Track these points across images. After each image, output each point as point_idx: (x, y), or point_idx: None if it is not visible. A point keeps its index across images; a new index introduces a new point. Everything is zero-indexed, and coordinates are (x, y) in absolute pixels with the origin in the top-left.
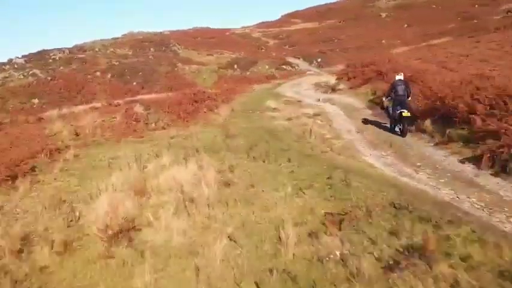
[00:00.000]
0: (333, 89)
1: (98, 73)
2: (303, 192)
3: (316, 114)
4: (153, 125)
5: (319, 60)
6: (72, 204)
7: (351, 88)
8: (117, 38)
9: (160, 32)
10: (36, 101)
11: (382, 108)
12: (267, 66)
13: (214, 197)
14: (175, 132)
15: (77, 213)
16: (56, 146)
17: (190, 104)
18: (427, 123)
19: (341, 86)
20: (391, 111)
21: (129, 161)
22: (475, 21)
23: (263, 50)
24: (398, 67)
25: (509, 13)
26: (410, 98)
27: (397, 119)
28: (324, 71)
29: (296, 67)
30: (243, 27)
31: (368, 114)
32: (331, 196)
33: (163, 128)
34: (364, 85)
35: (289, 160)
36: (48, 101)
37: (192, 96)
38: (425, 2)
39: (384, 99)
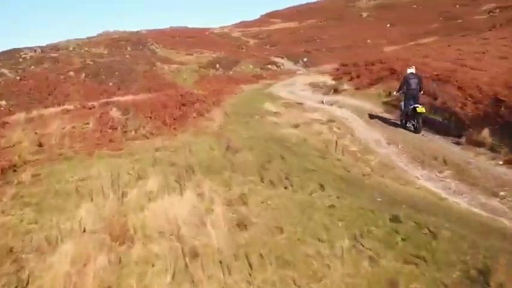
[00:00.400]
0: (336, 90)
1: (72, 73)
2: (362, 245)
3: (330, 120)
4: (133, 133)
5: (305, 59)
6: (21, 256)
7: (357, 89)
8: (92, 38)
9: (137, 31)
10: (3, 102)
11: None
12: (251, 66)
13: (227, 248)
14: (161, 142)
15: (26, 274)
16: (11, 162)
17: (177, 107)
18: (485, 134)
19: (345, 87)
20: (402, 106)
21: (104, 184)
22: (460, 21)
23: (243, 50)
24: (413, 65)
25: (491, 13)
26: (422, 92)
27: (410, 115)
28: (312, 71)
29: (282, 67)
30: (221, 27)
31: (389, 119)
32: (413, 256)
33: (146, 137)
34: (374, 85)
35: (321, 187)
36: (17, 103)
37: (179, 98)
38: (406, 2)
39: (395, 93)
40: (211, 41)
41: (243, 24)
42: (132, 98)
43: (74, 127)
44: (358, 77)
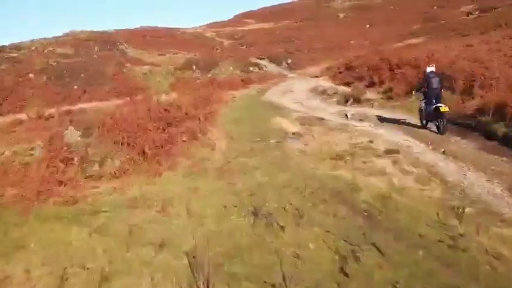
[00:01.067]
0: (356, 100)
1: (31, 75)
2: None
3: (390, 151)
4: (96, 167)
5: (288, 61)
6: None
7: (389, 98)
8: (59, 37)
9: (106, 31)
10: None
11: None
12: (231, 68)
13: None
14: (139, 190)
15: None
16: None
17: (159, 128)
18: None
19: (368, 96)
20: (423, 106)
21: None
22: (442, 21)
23: (218, 50)
24: (442, 67)
25: (470, 15)
26: (442, 91)
27: (433, 115)
28: (299, 73)
29: (264, 68)
30: (194, 28)
31: (477, 149)
32: None
33: (115, 177)
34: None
35: None
36: None
37: (162, 113)
38: (381, 3)
39: (413, 92)
40: (185, 41)
41: (216, 25)
42: (98, 104)
43: (14, 153)
44: (382, 82)
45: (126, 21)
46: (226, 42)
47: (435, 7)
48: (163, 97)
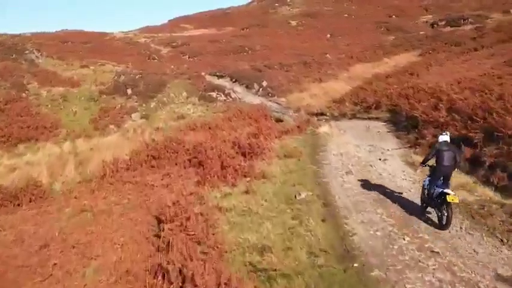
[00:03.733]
0: None
1: None
2: None
3: None
4: None
5: (263, 83)
6: None
7: None
8: None
9: (20, 34)
10: None
11: None
12: (184, 93)
13: None
14: None
15: None
16: None
17: None
18: None
19: None
20: (426, 184)
21: None
22: (413, 33)
23: (155, 61)
24: None
25: (434, 26)
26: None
27: (437, 201)
28: (290, 105)
29: (234, 95)
30: (125, 32)
31: None
32: None
33: None
34: None
35: None
36: None
37: None
38: (333, 11)
39: (419, 166)
40: (115, 48)
41: (150, 29)
42: None
43: None
44: None
45: (49, 24)
46: (164, 51)
47: (393, 16)
48: None
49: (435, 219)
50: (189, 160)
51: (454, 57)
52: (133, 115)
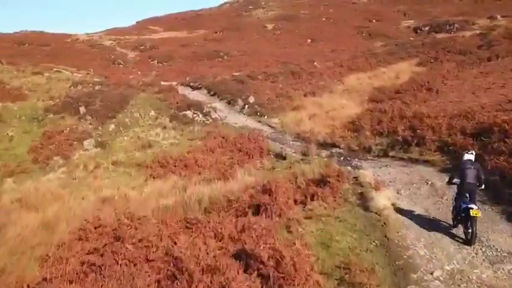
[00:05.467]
0: None
1: None
2: None
3: None
4: None
5: (249, 99)
6: None
7: None
8: None
9: None
10: None
11: None
12: (151, 112)
13: None
14: None
15: None
16: None
17: None
18: None
19: None
20: (454, 201)
21: None
22: (400, 40)
23: (121, 66)
24: None
25: (418, 31)
26: (483, 187)
27: (463, 217)
28: (289, 130)
29: (215, 114)
30: (89, 34)
31: None
32: None
33: None
34: None
35: None
36: None
37: None
38: (309, 14)
39: (446, 186)
40: (76, 52)
41: (117, 31)
42: None
43: None
44: None
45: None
46: (131, 54)
47: (373, 20)
48: None
49: None
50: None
51: (467, 69)
52: (85, 142)
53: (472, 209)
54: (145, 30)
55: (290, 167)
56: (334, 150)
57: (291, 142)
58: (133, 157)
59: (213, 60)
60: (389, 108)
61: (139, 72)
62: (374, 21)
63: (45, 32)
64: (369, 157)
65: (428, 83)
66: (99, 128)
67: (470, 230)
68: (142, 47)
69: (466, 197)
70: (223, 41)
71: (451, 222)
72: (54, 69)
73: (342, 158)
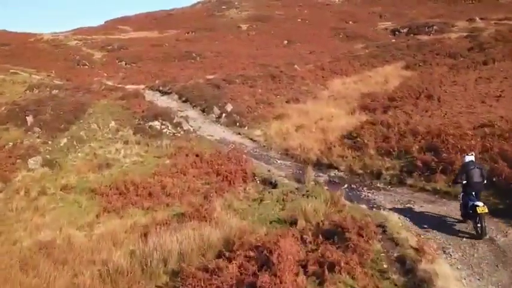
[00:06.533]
0: None
1: None
2: None
3: None
4: None
5: (227, 107)
6: None
7: None
8: None
9: None
10: None
11: None
12: (111, 123)
13: None
14: None
15: None
16: None
17: None
18: None
19: None
20: (461, 199)
21: None
22: (381, 41)
23: (86, 67)
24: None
25: (396, 33)
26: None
27: (471, 214)
28: (274, 145)
29: (187, 125)
30: (54, 34)
31: None
32: None
33: None
34: None
35: None
36: None
37: None
38: (284, 15)
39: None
40: (38, 52)
41: (84, 31)
42: None
43: None
44: None
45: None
46: (98, 55)
47: (350, 22)
48: None
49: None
50: None
51: (461, 73)
52: (31, 160)
53: (478, 206)
54: (114, 30)
55: (283, 200)
56: (332, 172)
57: (278, 161)
58: (87, 180)
59: (185, 62)
60: (393, 121)
61: (105, 74)
62: (350, 22)
63: (6, 31)
64: (379, 185)
65: (426, 89)
66: (49, 142)
67: (479, 225)
68: (110, 47)
69: (472, 195)
70: (195, 41)
71: None
72: (11, 70)
73: (346, 186)
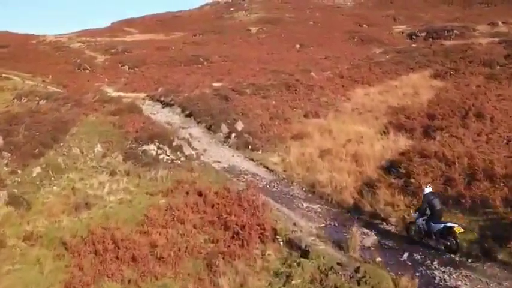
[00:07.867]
0: None
1: None
2: None
3: None
4: None
5: (237, 126)
6: None
7: None
8: None
9: None
10: None
11: None
12: (98, 146)
13: None
14: None
15: None
16: None
17: None
18: None
19: None
20: (421, 223)
21: None
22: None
23: (87, 71)
24: None
25: (413, 37)
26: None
27: (440, 235)
28: (297, 177)
29: (189, 150)
30: (58, 35)
31: None
32: None
33: None
34: None
35: None
36: None
37: None
38: (294, 17)
39: (413, 215)
40: (38, 55)
41: (89, 33)
42: None
43: None
44: None
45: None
46: (101, 59)
47: (364, 25)
48: None
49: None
50: None
51: (504, 85)
52: None
53: (455, 226)
54: (118, 32)
55: (321, 282)
56: (381, 225)
57: (303, 204)
58: (59, 227)
59: (192, 66)
60: (450, 153)
61: (106, 80)
62: (364, 25)
63: (8, 32)
64: (455, 257)
65: (473, 105)
66: (19, 171)
67: (455, 241)
68: (113, 50)
69: (439, 219)
70: (203, 44)
71: None
72: (3, 75)
73: (407, 255)
